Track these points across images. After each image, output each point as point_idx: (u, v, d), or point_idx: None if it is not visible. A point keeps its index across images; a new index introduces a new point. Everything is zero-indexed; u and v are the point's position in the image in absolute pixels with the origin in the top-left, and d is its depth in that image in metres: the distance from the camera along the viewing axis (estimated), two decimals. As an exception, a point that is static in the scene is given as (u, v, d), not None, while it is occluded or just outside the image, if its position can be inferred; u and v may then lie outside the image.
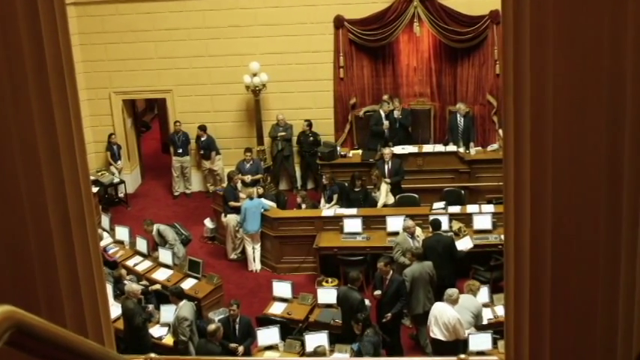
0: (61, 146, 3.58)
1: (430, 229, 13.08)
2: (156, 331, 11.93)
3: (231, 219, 15.12)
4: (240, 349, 11.21)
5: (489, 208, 14.45)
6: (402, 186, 15.73)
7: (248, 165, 16.43)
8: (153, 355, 4.08)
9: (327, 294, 12.36)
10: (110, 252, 14.38)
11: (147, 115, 23.79)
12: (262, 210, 14.75)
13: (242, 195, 15.27)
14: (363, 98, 17.88)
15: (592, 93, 3.16)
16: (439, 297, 11.36)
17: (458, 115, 16.82)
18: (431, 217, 13.42)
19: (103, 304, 3.90)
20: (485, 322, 11.35)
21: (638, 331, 3.30)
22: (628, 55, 3.08)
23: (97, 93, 17.92)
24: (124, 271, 13.05)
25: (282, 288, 12.69)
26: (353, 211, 14.65)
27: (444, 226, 13.35)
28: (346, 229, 14.21)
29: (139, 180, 19.29)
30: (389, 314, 11.55)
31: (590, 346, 3.45)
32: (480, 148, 16.81)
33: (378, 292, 11.77)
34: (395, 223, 13.76)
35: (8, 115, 3.43)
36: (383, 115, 16.98)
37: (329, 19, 17.32)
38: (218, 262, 15.33)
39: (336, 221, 14.44)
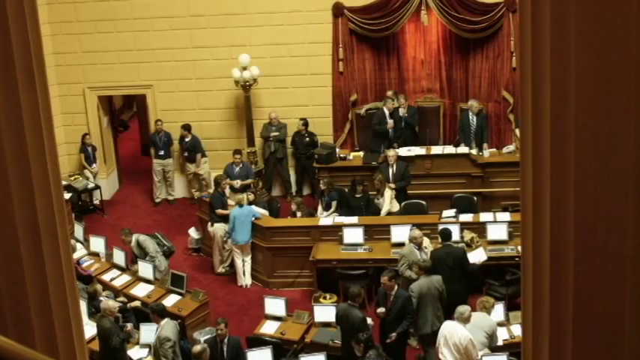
0: (29, 148, 3.57)
1: (439, 240, 13.07)
2: (135, 352, 11.91)
3: (218, 228, 15.11)
4: (229, 372, 11.21)
5: (505, 216, 14.45)
6: (408, 192, 15.73)
7: (237, 168, 16.43)
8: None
9: (325, 311, 12.34)
10: (84, 265, 14.36)
11: (125, 113, 23.78)
12: (253, 218, 14.73)
13: (230, 202, 15.25)
14: (364, 94, 17.87)
15: (619, 88, 3.16)
16: (449, 315, 11.35)
17: (470, 114, 16.83)
18: (440, 227, 13.41)
19: (76, 322, 3.90)
20: (500, 342, 11.34)
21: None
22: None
23: (69, 89, 17.91)
24: (99, 287, 13.02)
25: (275, 305, 12.67)
26: (354, 219, 14.64)
27: (455, 236, 13.35)
28: (346, 240, 14.20)
29: (117, 185, 19.27)
30: (394, 334, 11.53)
31: (617, 370, 3.44)
32: (494, 149, 16.81)
33: (381, 310, 11.75)
34: (400, 233, 13.75)
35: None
36: (387, 113, 16.97)
37: (327, 6, 17.33)
38: (204, 276, 15.31)
39: (335, 231, 14.43)
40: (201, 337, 12.00)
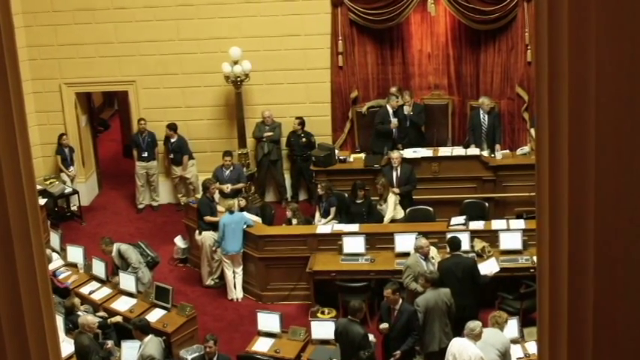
0: (0, 149, 3.57)
1: (447, 250, 13.08)
2: (116, 372, 11.92)
3: (206, 237, 15.10)
4: (218, 394, 11.21)
5: (519, 223, 14.46)
6: (414, 197, 15.74)
7: (227, 172, 16.42)
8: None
9: (323, 327, 12.34)
10: (61, 277, 14.34)
11: (105, 111, 23.76)
12: (244, 226, 14.73)
13: (220, 208, 15.25)
14: (366, 91, 17.88)
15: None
16: (458, 331, 11.36)
17: (481, 112, 16.84)
18: (448, 235, 13.42)
19: (51, 339, 3.89)
20: (514, 361, 11.37)
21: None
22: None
23: (44, 85, 17.90)
24: (77, 300, 13.01)
25: (268, 320, 12.67)
26: (354, 227, 14.65)
27: (465, 245, 13.35)
28: (346, 250, 14.20)
29: (96, 190, 19.26)
30: (398, 352, 11.55)
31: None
32: (507, 151, 16.82)
33: (384, 326, 11.76)
34: (405, 241, 13.75)
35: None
36: (390, 111, 16.98)
37: (325, -5, 17.38)
38: (191, 289, 15.31)
39: (334, 240, 14.44)
40: (189, 355, 12.00)
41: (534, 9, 3.52)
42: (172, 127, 17.64)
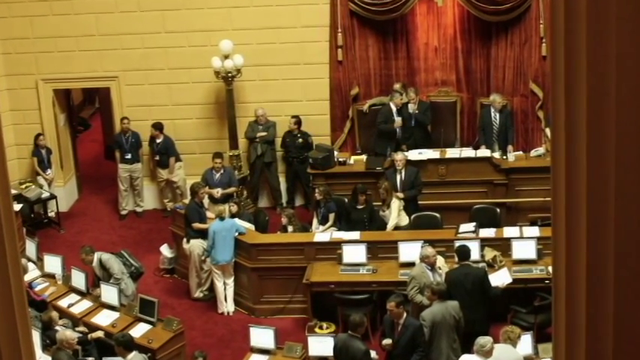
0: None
1: (456, 259, 13.08)
2: (97, 392, 11.92)
3: (195, 245, 15.09)
4: (208, 416, 11.21)
5: (533, 231, 14.46)
6: (419, 202, 15.73)
7: (218, 175, 16.42)
8: None
9: (322, 343, 12.33)
10: (37, 289, 14.33)
11: (85, 109, 23.76)
12: (236, 234, 14.73)
13: (210, 214, 15.24)
14: (367, 88, 17.89)
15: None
16: (467, 347, 11.37)
17: (492, 110, 16.84)
18: (457, 244, 13.42)
19: (27, 356, 3.88)
20: (528, 380, 11.37)
21: None
22: None
23: (19, 81, 17.90)
24: (55, 314, 13.01)
25: (262, 336, 12.66)
26: (355, 235, 14.65)
27: (474, 254, 13.35)
28: (346, 259, 14.20)
29: (75, 194, 19.26)
30: (402, 370, 11.56)
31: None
32: (520, 152, 16.83)
33: (387, 341, 11.75)
34: (409, 250, 13.75)
35: None
36: (394, 109, 16.98)
37: (324, -16, 17.39)
38: (178, 301, 15.31)
39: (333, 248, 14.43)
40: (175, 373, 12.01)
41: (550, -1, 3.52)
42: (158, 126, 17.63)
